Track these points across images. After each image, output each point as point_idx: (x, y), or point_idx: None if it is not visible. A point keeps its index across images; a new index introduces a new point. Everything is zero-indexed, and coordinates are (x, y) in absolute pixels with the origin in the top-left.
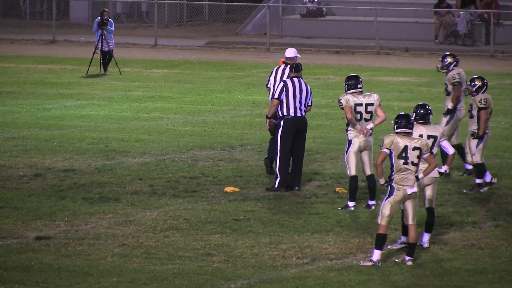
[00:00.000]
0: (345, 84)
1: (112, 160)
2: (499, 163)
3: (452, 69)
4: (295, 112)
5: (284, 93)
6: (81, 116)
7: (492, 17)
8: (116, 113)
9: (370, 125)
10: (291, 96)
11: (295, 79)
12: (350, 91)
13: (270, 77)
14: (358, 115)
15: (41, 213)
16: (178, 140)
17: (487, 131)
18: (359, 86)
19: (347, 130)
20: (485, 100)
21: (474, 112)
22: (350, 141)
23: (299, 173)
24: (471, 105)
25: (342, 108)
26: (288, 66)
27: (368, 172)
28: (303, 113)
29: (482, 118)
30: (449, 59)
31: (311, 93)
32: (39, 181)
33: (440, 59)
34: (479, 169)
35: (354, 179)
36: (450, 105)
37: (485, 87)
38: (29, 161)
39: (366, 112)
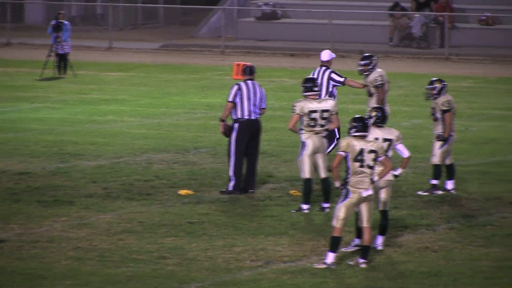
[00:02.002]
0: (302, 86)
1: (67, 163)
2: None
3: (374, 70)
4: (250, 114)
5: (238, 96)
6: (36, 119)
7: (447, 20)
8: (70, 116)
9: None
10: (246, 99)
11: (249, 82)
12: (306, 94)
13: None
14: (313, 122)
15: None
16: (133, 143)
17: (452, 134)
18: (315, 89)
19: (300, 132)
20: (447, 102)
21: (438, 115)
22: (303, 143)
23: (253, 176)
24: (433, 108)
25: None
26: (323, 67)
27: (323, 175)
28: (258, 116)
29: (447, 121)
30: (374, 61)
31: (265, 95)
32: None
33: (361, 61)
34: (436, 171)
35: (308, 181)
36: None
37: (445, 88)
38: None
39: (322, 118)
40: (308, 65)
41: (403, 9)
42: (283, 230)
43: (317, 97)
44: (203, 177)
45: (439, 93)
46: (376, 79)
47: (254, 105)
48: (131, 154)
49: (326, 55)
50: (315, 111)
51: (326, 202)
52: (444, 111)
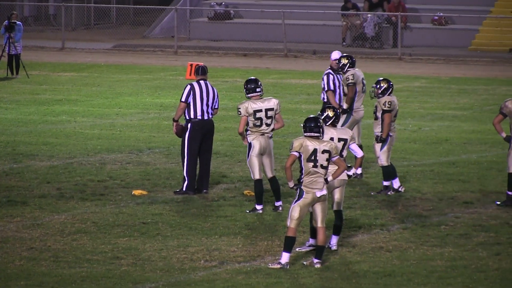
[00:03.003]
0: (244, 88)
1: (20, 164)
2: (407, 165)
3: (347, 70)
4: (202, 115)
5: (191, 96)
6: None
7: (400, 20)
8: (23, 116)
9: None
10: (198, 99)
11: (202, 82)
12: (249, 95)
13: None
14: (258, 121)
15: None
16: (86, 143)
17: (391, 134)
18: (258, 90)
19: (246, 133)
20: (389, 103)
21: (379, 114)
22: (250, 144)
23: (207, 176)
24: (376, 107)
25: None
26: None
27: (270, 174)
28: (210, 116)
29: (385, 121)
30: (343, 61)
31: (217, 95)
32: None
33: (336, 61)
34: (385, 172)
35: (259, 182)
36: (344, 105)
37: (390, 89)
38: None
39: (267, 117)
40: (261, 65)
41: (354, 5)
42: (237, 230)
43: (260, 97)
44: (156, 177)
45: (384, 93)
46: (347, 78)
47: (207, 105)
48: (84, 154)
49: (331, 55)
50: (260, 111)
51: (278, 200)
52: (384, 111)
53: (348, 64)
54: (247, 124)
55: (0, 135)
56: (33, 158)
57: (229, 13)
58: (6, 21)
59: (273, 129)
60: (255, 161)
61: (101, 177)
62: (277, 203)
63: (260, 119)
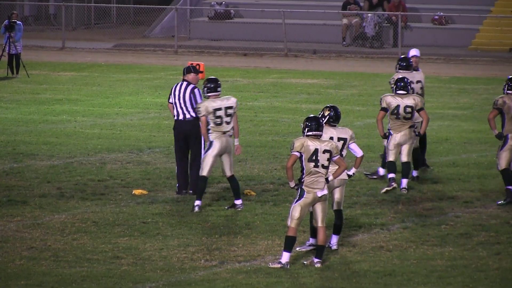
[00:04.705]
0: (204, 87)
1: (20, 163)
2: None
3: (397, 72)
4: (178, 115)
5: (172, 96)
6: None
7: (400, 19)
8: (23, 115)
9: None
10: (176, 100)
11: (184, 83)
12: (209, 94)
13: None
14: (219, 119)
15: None
16: (86, 143)
17: (392, 132)
18: (219, 89)
19: (209, 133)
20: (380, 99)
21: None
22: (211, 143)
23: (195, 177)
24: None
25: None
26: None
27: (229, 173)
28: (189, 117)
29: (377, 117)
30: (398, 62)
31: (194, 97)
32: None
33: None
34: (388, 164)
35: (205, 179)
36: None
37: (394, 87)
38: None
39: (226, 115)
40: (261, 64)
41: (356, 2)
42: (237, 229)
43: (218, 96)
44: (157, 177)
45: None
46: (389, 81)
47: (185, 106)
48: (84, 154)
49: (408, 53)
50: (219, 109)
51: (238, 198)
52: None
53: (397, 66)
54: (208, 123)
55: (1, 134)
56: (34, 157)
57: (229, 12)
58: (6, 20)
59: (232, 128)
60: (210, 160)
61: (102, 177)
62: (237, 201)
63: (220, 117)
